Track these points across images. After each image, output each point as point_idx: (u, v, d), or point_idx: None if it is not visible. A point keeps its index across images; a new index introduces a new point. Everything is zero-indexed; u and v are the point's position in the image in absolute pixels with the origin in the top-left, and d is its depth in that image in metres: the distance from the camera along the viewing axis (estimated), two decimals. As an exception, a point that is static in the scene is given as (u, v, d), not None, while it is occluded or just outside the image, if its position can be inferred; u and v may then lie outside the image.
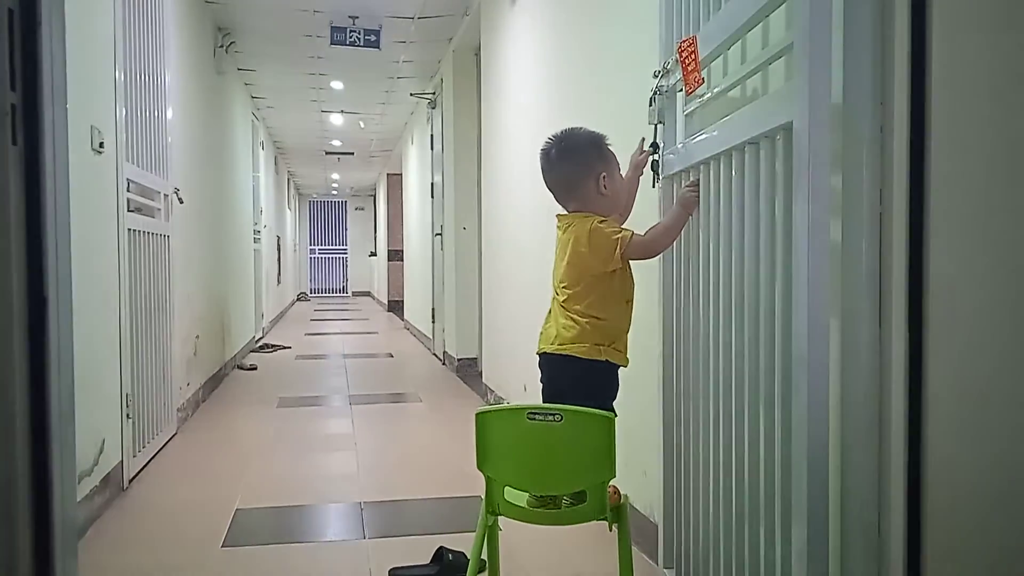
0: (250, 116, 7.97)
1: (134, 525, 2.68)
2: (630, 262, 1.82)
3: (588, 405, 1.60)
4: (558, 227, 1.87)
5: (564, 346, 1.78)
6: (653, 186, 2.00)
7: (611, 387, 1.81)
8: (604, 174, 1.82)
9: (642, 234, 1.79)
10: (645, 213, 2.01)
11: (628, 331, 1.83)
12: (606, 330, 1.78)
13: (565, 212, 1.88)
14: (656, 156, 1.97)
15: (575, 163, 1.84)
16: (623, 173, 1.94)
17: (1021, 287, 0.94)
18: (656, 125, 1.96)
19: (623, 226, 1.83)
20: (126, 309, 3.06)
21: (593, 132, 1.88)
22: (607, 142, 1.87)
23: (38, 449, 0.82)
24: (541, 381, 1.86)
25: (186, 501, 2.94)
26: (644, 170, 1.99)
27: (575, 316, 1.78)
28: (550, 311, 1.88)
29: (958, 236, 1.03)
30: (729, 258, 1.58)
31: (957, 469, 1.04)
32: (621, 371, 1.82)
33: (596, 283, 1.78)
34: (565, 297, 1.80)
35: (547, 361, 1.83)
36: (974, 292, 1.01)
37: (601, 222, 1.78)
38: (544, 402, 1.83)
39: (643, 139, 1.99)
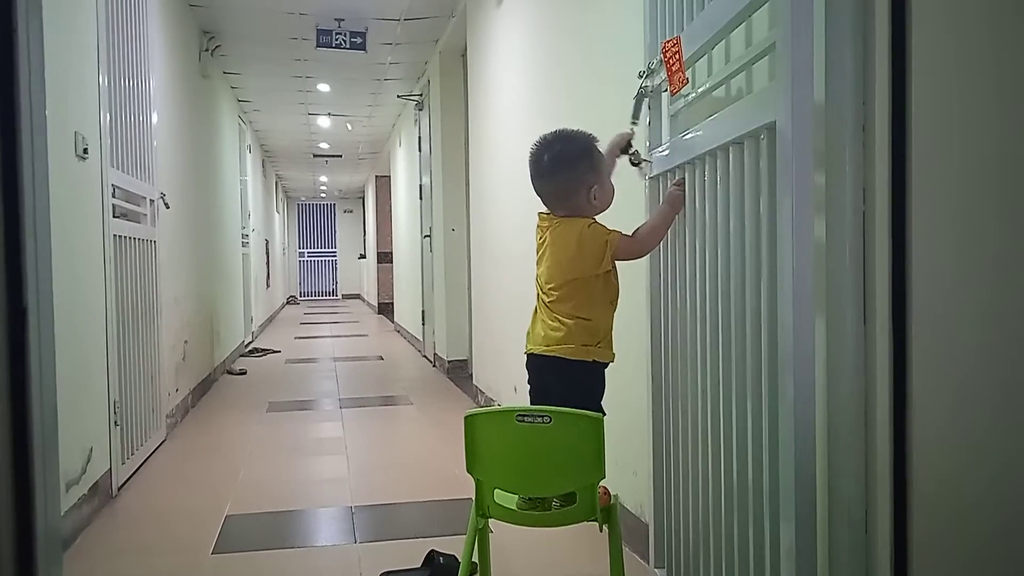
0: (237, 120, 7.94)
1: (123, 533, 2.66)
2: (616, 264, 1.82)
3: (575, 405, 1.60)
4: (541, 226, 1.86)
5: (552, 347, 1.77)
6: (641, 176, 1.98)
7: (599, 387, 1.81)
8: (595, 185, 1.80)
9: (629, 235, 1.79)
10: (631, 212, 2.01)
11: (612, 328, 1.84)
12: (593, 330, 1.78)
13: (549, 212, 1.87)
14: (639, 162, 1.95)
15: (567, 176, 1.79)
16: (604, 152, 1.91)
17: (1003, 283, 0.94)
18: (633, 124, 1.96)
19: (610, 228, 1.82)
20: (113, 316, 3.05)
21: (584, 137, 1.83)
22: (596, 143, 1.84)
23: (20, 461, 0.82)
24: (528, 382, 1.86)
25: (175, 508, 2.92)
26: (627, 154, 1.94)
27: (562, 317, 1.78)
28: (536, 310, 1.87)
29: (940, 233, 1.04)
30: (715, 257, 1.58)
31: (942, 465, 1.04)
32: (610, 370, 1.82)
33: (583, 286, 1.78)
34: (552, 299, 1.80)
35: (534, 361, 1.83)
36: (957, 288, 1.02)
37: (589, 225, 1.78)
38: (531, 402, 1.83)
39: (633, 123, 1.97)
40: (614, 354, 1.83)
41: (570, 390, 1.75)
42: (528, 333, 1.87)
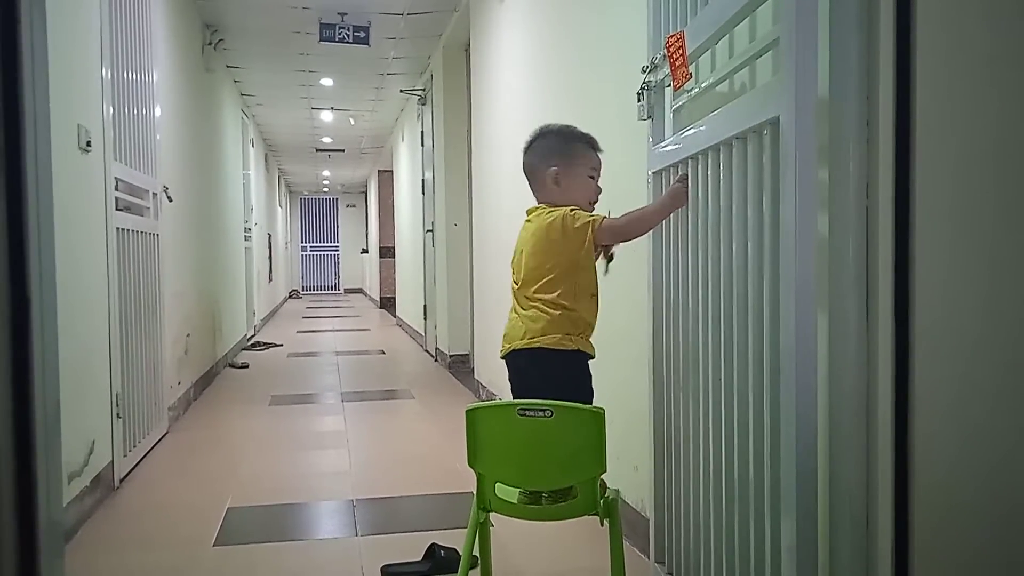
0: (240, 114, 7.94)
1: (125, 525, 2.67)
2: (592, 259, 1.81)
3: (566, 398, 1.60)
4: (527, 220, 1.87)
5: (534, 339, 1.75)
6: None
7: (584, 378, 1.78)
8: (556, 168, 1.84)
9: (615, 217, 1.78)
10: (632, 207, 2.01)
11: (595, 326, 1.82)
12: (576, 320, 1.76)
13: (535, 204, 1.88)
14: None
15: (535, 155, 1.90)
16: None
17: (1007, 280, 0.94)
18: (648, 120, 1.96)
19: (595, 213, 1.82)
20: (116, 308, 3.05)
21: (566, 128, 1.91)
22: (581, 139, 1.87)
23: (22, 452, 0.82)
24: (510, 380, 1.84)
25: (177, 500, 2.93)
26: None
27: (542, 307, 1.76)
28: (512, 309, 1.85)
29: (944, 229, 1.04)
30: (717, 253, 1.58)
31: (944, 461, 1.04)
32: (612, 364, 1.82)
33: (566, 274, 1.76)
34: (533, 288, 1.78)
35: (515, 358, 1.80)
36: (960, 284, 1.01)
37: (572, 210, 1.78)
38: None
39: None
40: (594, 350, 1.81)
41: (557, 382, 1.73)
42: (504, 335, 1.84)
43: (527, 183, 1.94)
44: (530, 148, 1.92)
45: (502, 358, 1.84)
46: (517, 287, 1.84)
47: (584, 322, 1.78)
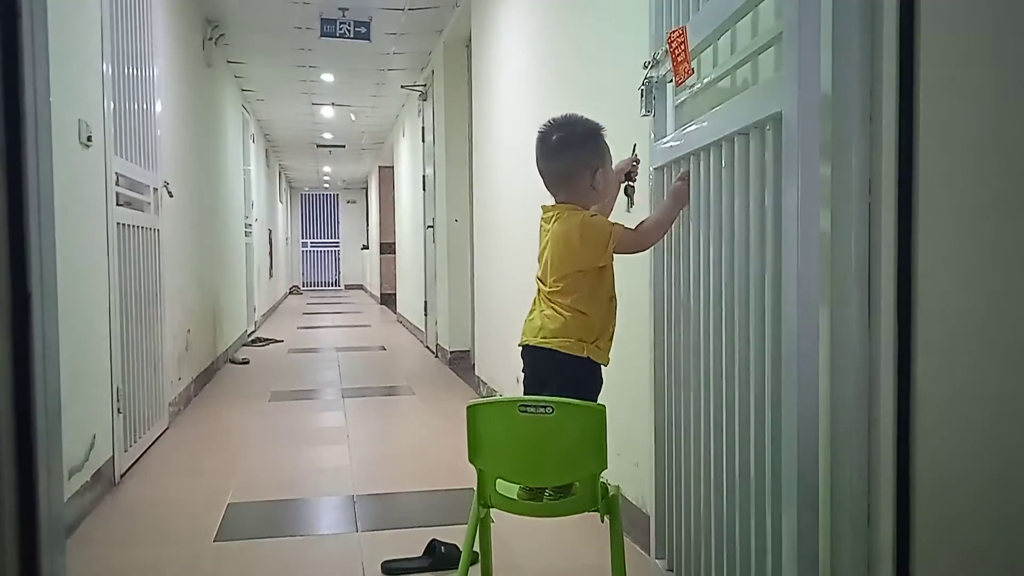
0: (240, 109, 7.93)
1: (126, 520, 2.67)
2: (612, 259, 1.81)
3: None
4: (543, 217, 1.85)
5: (547, 339, 1.76)
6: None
7: (591, 384, 1.78)
8: (599, 169, 1.79)
9: (632, 228, 1.78)
10: (637, 203, 2.01)
11: (612, 330, 1.81)
12: (590, 326, 1.75)
13: (552, 203, 1.86)
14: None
15: (572, 156, 1.79)
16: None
17: (1009, 276, 0.94)
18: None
19: (613, 220, 1.81)
20: (116, 304, 3.05)
21: (591, 123, 1.82)
22: (604, 133, 1.83)
23: (23, 447, 0.82)
24: (523, 371, 1.85)
25: (178, 496, 2.93)
26: (626, 182, 1.97)
27: (560, 309, 1.76)
28: (535, 301, 1.86)
29: (946, 225, 1.03)
30: (719, 248, 1.58)
31: (945, 457, 1.04)
32: (612, 360, 1.82)
33: (584, 279, 1.76)
34: (553, 290, 1.79)
35: (530, 353, 1.81)
36: (962, 281, 1.01)
37: (592, 216, 1.77)
38: (525, 393, 1.81)
39: (635, 145, 1.97)
40: (609, 359, 1.80)
41: (562, 383, 1.73)
42: (525, 324, 1.85)
43: (547, 183, 1.85)
44: (562, 149, 1.79)
45: (520, 345, 1.85)
46: (541, 283, 1.84)
47: (599, 328, 1.77)
